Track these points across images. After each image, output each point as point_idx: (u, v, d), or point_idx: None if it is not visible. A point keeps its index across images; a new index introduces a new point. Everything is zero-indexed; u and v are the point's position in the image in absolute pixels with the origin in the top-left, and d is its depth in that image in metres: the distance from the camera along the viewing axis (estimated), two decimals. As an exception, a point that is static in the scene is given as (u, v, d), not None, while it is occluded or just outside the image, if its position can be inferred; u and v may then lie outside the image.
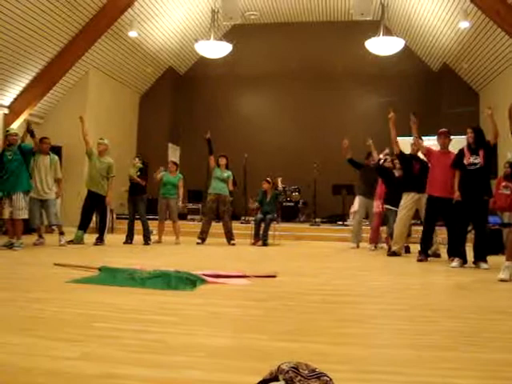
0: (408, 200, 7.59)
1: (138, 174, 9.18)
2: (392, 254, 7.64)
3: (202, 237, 9.39)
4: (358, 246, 9.29)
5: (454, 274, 5.72)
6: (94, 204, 8.83)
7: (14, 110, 11.28)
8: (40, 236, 8.40)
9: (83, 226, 8.76)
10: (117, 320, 2.99)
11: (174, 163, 10.02)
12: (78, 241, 8.59)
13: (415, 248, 7.69)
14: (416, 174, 7.56)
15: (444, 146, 7.13)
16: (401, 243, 7.75)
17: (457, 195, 6.42)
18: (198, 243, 9.25)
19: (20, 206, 7.54)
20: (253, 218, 10.07)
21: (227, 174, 9.58)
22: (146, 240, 9.09)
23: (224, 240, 9.47)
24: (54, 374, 2.02)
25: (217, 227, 9.86)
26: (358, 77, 14.62)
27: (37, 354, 2.28)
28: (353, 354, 2.43)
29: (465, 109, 12.87)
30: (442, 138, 7.13)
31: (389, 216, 8.38)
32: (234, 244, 9.31)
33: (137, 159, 9.48)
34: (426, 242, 7.11)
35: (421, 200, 7.44)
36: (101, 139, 8.98)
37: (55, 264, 5.46)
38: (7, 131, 8.01)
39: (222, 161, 9.63)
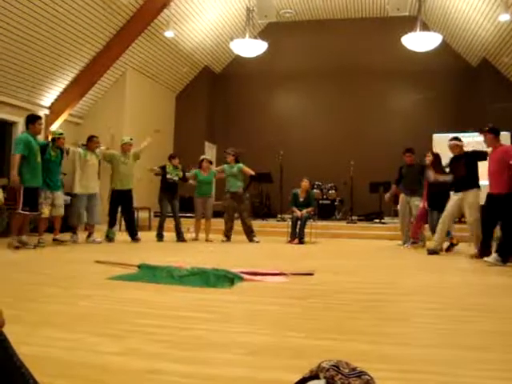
0: (452, 200, 7.51)
1: (178, 177, 9.43)
2: (432, 252, 7.54)
3: (228, 234, 9.48)
4: (405, 244, 9.15)
5: (495, 273, 5.60)
6: (121, 202, 8.98)
7: (55, 110, 11.53)
8: (75, 233, 8.53)
9: (113, 224, 8.99)
10: (157, 317, 3.05)
11: (209, 161, 9.96)
12: (112, 237, 8.85)
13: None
14: (463, 174, 7.42)
15: (488, 143, 7.00)
16: (441, 241, 7.68)
17: None
18: (223, 241, 9.34)
19: (61, 204, 8.11)
20: (289, 216, 10.06)
21: (236, 167, 9.53)
22: (180, 237, 9.23)
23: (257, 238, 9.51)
24: (98, 369, 2.08)
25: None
26: (394, 73, 14.44)
27: (82, 348, 2.35)
28: (392, 353, 2.42)
29: (508, 103, 12.55)
30: (484, 136, 7.01)
31: (431, 215, 8.37)
32: (257, 242, 9.28)
33: (177, 159, 9.60)
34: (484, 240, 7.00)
35: (464, 199, 7.31)
36: (131, 139, 9.20)
37: (96, 261, 5.59)
38: (60, 133, 8.18)
39: (229, 158, 9.61)
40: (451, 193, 7.66)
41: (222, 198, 9.81)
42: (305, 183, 9.82)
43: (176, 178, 9.39)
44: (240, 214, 9.53)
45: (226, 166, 9.69)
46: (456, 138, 7.73)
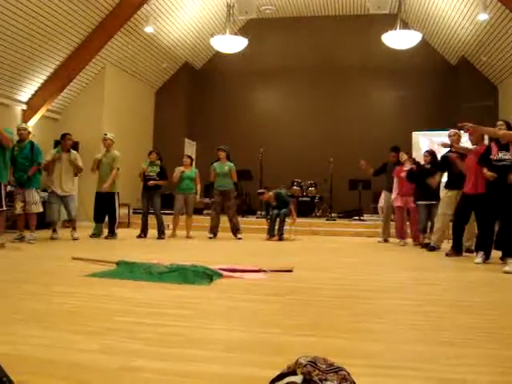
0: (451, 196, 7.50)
1: (154, 173, 9.32)
2: (431, 248, 7.57)
3: (214, 231, 9.43)
4: (385, 241, 9.29)
5: (476, 270, 5.65)
6: (105, 204, 8.96)
7: (32, 105, 11.37)
8: (54, 230, 8.45)
9: (99, 220, 8.97)
10: (135, 314, 3.03)
11: (189, 157, 10.07)
12: (99, 232, 8.85)
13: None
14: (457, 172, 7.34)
15: (474, 140, 6.94)
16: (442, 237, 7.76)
17: (489, 175, 6.13)
18: (210, 237, 9.30)
19: (34, 201, 7.83)
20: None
21: (228, 166, 9.53)
22: (160, 234, 9.17)
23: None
24: (75, 366, 2.06)
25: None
26: (374, 71, 14.52)
27: (58, 346, 2.32)
28: (369, 349, 2.43)
29: (483, 103, 12.71)
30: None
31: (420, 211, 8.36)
32: (240, 238, 9.31)
33: (154, 154, 9.50)
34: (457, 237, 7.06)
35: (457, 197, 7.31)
36: (105, 134, 9.20)
37: (73, 258, 5.53)
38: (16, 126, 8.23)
39: (221, 154, 9.58)
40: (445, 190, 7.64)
41: (211, 195, 9.82)
42: (267, 196, 9.77)
43: (152, 174, 9.29)
44: (226, 212, 9.51)
45: (215, 164, 9.63)
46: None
